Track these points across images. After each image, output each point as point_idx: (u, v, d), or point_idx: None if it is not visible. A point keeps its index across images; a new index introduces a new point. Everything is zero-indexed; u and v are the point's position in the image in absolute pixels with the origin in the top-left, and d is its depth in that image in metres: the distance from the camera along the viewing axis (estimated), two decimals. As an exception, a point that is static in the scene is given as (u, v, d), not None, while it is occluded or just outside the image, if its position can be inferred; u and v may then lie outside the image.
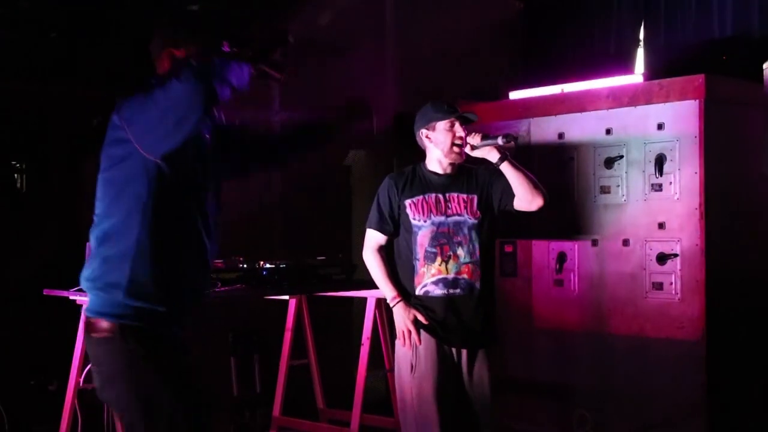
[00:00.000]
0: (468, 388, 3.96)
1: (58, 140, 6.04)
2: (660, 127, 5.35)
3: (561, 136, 5.79)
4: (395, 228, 4.07)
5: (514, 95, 6.34)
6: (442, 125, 4.00)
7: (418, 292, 3.97)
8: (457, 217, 3.96)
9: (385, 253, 4.12)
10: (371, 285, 5.34)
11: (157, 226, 2.88)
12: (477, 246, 3.96)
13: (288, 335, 5.68)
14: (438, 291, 3.94)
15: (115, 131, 2.91)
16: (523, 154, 4.91)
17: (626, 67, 6.92)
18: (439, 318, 3.94)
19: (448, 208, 3.97)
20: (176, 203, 2.92)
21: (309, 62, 6.64)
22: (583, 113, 5.72)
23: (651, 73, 6.00)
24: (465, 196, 3.99)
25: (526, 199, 3.97)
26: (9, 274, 5.51)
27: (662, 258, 5.30)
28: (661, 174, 5.33)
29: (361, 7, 7.09)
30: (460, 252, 3.93)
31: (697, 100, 5.21)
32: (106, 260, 2.91)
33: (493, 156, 3.93)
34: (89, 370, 4.68)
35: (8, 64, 5.83)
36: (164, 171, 2.86)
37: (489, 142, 3.92)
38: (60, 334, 5.08)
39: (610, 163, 5.55)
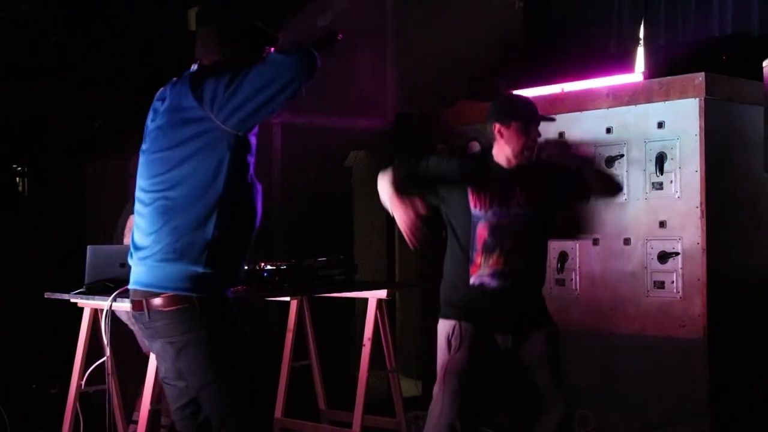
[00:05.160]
0: (526, 370, 3.95)
1: (59, 143, 6.04)
2: (660, 125, 5.35)
3: (561, 135, 5.78)
4: (436, 196, 3.99)
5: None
6: (517, 126, 3.93)
7: (473, 281, 3.91)
8: (518, 210, 3.91)
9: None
10: (372, 286, 5.36)
11: (226, 198, 3.05)
12: (536, 239, 3.96)
13: (289, 336, 5.68)
14: (493, 283, 3.89)
15: (182, 112, 3.06)
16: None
17: (626, 65, 6.92)
18: (493, 309, 3.92)
19: (510, 200, 3.91)
20: (242, 178, 3.10)
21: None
22: (584, 112, 5.72)
23: (651, 72, 6.01)
24: (527, 189, 3.93)
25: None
26: (10, 277, 5.51)
27: (663, 256, 5.30)
28: (661, 173, 5.34)
29: (361, 7, 7.09)
30: (520, 245, 3.90)
31: (698, 99, 5.21)
32: (174, 230, 3.06)
33: None
34: (91, 373, 4.69)
35: (9, 66, 5.83)
36: (240, 147, 3.05)
37: None
38: (61, 336, 5.08)
39: (610, 162, 5.55)
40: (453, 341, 3.94)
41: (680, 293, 5.25)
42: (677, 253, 5.26)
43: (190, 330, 3.07)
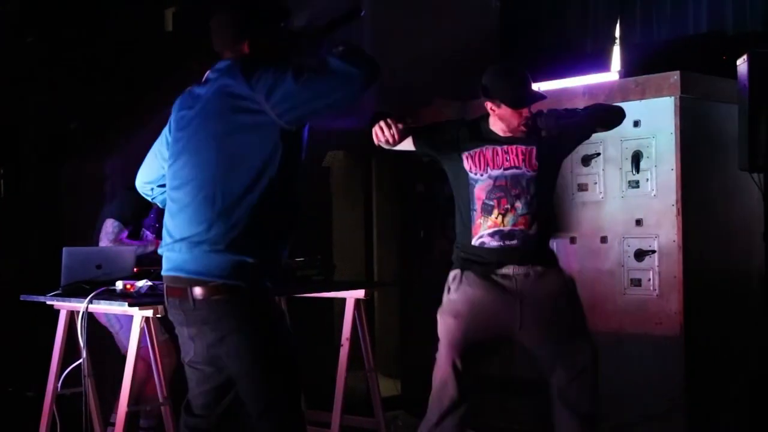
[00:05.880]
0: (534, 320, 3.96)
1: (35, 144, 6.00)
2: (636, 124, 5.37)
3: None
4: (432, 152, 4.06)
5: (492, 94, 6.33)
6: (509, 108, 3.94)
7: (474, 242, 3.97)
8: (514, 170, 3.93)
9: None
10: (350, 286, 5.35)
11: (276, 189, 3.06)
12: (535, 198, 3.95)
13: (268, 337, 5.66)
14: (494, 242, 3.94)
15: (234, 100, 3.04)
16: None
17: (602, 65, 6.96)
18: (494, 264, 3.95)
19: (506, 160, 3.94)
20: (290, 173, 3.11)
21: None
22: (560, 111, 5.74)
23: (627, 71, 6.04)
24: (524, 147, 3.94)
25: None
26: (-14, 279, 5.47)
27: (640, 254, 5.33)
28: (637, 171, 5.36)
29: (338, 7, 7.07)
30: (518, 204, 3.92)
31: (673, 97, 5.23)
32: (225, 219, 3.02)
33: None
34: (68, 375, 4.66)
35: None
36: (292, 140, 3.05)
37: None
38: (37, 339, 5.05)
39: (587, 160, 5.57)
40: (451, 285, 4.02)
41: (657, 291, 5.28)
42: (654, 251, 5.28)
43: (235, 319, 3.06)
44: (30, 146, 6.02)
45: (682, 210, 5.19)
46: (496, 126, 4.03)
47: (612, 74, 6.00)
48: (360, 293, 5.18)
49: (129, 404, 4.33)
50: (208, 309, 3.06)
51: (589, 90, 5.64)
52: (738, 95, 5.01)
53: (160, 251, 3.23)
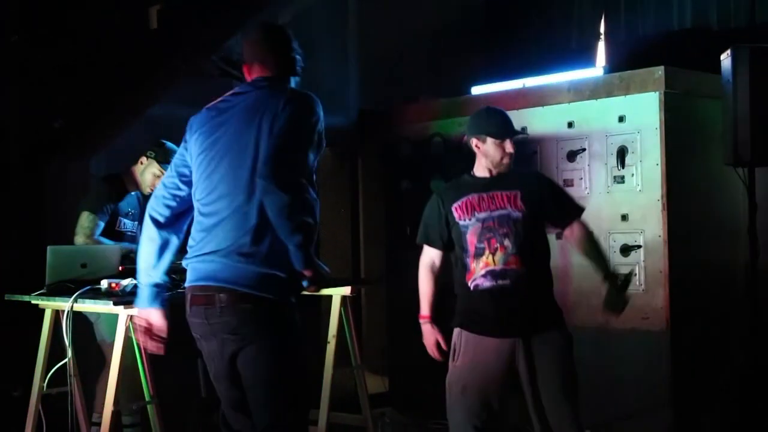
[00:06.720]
0: (531, 380, 3.97)
1: (19, 142, 5.97)
2: (621, 119, 5.39)
3: (524, 129, 5.79)
4: (446, 241, 4.12)
5: (477, 90, 6.35)
6: (492, 140, 4.05)
7: (470, 286, 4.01)
8: (501, 211, 3.99)
9: (439, 271, 4.19)
10: (336, 283, 5.34)
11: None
12: (523, 236, 3.97)
13: (254, 335, 5.65)
14: (486, 283, 3.96)
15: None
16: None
17: (587, 60, 6.96)
18: (490, 310, 3.97)
19: (492, 203, 4.01)
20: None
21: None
22: (545, 107, 5.75)
23: (612, 66, 6.04)
24: (507, 192, 4.02)
25: None
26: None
27: (626, 250, 5.34)
28: (623, 166, 5.37)
29: (323, 4, 7.07)
30: (507, 243, 3.95)
31: (657, 92, 5.25)
32: (263, 234, 3.10)
33: None
34: (53, 374, 4.64)
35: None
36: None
37: None
38: (23, 338, 5.02)
39: (572, 156, 5.58)
40: (456, 349, 4.06)
41: (643, 286, 5.29)
42: (639, 246, 5.30)
43: (259, 328, 3.14)
44: (14, 145, 5.98)
45: (667, 205, 5.20)
46: (480, 166, 4.12)
47: (597, 70, 5.98)
48: (346, 290, 5.18)
49: (114, 403, 4.32)
50: (233, 316, 3.12)
51: (574, 86, 5.65)
52: (722, 90, 5.02)
53: (185, 263, 3.27)
